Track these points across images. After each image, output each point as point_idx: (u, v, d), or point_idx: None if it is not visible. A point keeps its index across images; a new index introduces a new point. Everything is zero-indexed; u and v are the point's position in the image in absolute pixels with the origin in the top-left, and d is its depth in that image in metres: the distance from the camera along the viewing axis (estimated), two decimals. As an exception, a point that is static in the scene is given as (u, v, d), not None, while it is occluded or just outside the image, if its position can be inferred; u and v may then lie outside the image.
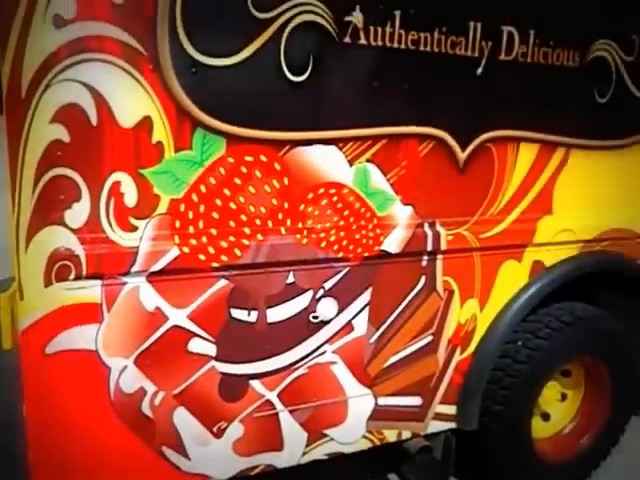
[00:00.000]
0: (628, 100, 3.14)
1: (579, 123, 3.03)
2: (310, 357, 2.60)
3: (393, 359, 2.82)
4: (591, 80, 3.00)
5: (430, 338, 2.88)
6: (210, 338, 2.38)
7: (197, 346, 2.38)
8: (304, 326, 2.54)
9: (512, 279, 3.04)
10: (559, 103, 2.94)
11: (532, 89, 2.86)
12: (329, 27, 2.33)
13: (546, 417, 3.49)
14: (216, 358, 2.42)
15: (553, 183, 3.02)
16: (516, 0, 2.72)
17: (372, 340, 2.73)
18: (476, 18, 2.63)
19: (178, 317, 2.31)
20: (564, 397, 3.56)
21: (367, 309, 2.67)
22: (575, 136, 3.03)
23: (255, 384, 2.54)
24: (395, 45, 2.48)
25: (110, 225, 2.12)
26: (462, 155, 2.73)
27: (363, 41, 2.41)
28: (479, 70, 2.69)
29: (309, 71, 2.33)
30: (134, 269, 2.18)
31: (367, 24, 2.40)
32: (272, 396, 2.58)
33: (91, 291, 2.15)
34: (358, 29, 2.38)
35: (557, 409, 3.55)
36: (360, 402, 2.78)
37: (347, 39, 2.38)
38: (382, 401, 2.85)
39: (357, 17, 2.37)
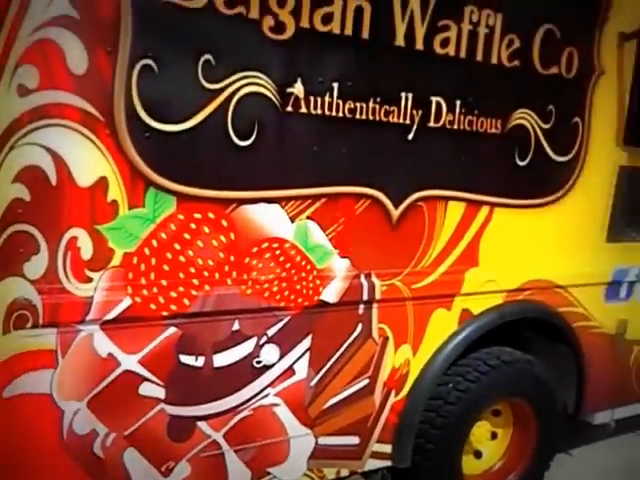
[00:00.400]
0: (546, 163, 3.37)
1: (502, 184, 3.24)
2: (254, 400, 2.69)
3: (332, 401, 2.93)
4: (512, 145, 3.22)
5: (367, 381, 3.00)
6: (160, 382, 2.46)
7: (147, 390, 2.45)
8: (248, 370, 2.64)
9: (442, 326, 3.19)
10: (483, 166, 3.15)
11: (459, 153, 3.06)
12: (273, 97, 2.49)
13: (478, 455, 3.62)
14: (165, 401, 2.50)
15: (479, 238, 3.20)
16: (443, 74, 2.92)
17: (312, 383, 2.83)
18: (407, 89, 2.83)
19: (130, 362, 2.39)
20: (494, 436, 3.70)
21: (308, 354, 2.78)
22: (498, 196, 3.23)
23: (202, 425, 2.61)
24: (333, 113, 2.65)
25: (66, 276, 2.21)
26: (395, 212, 2.90)
27: (304, 110, 2.57)
28: (410, 135, 2.88)
29: (254, 136, 2.47)
30: (88, 318, 2.26)
31: (307, 95, 2.57)
32: (218, 437, 2.66)
33: (47, 338, 2.22)
34: (299, 99, 2.55)
35: (488, 447, 3.69)
36: (301, 442, 2.88)
37: (289, 108, 2.54)
38: (322, 440, 2.95)
39: (298, 88, 2.54)
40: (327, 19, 2.56)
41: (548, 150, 3.37)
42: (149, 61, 2.20)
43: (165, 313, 2.40)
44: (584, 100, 3.47)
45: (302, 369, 2.78)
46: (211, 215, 2.42)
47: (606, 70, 3.54)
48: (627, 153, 3.77)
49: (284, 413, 2.79)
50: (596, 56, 3.47)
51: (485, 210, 3.19)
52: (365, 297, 2.87)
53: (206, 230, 2.43)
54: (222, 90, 2.37)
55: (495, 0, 2.99)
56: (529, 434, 3.68)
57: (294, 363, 2.76)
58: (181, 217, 2.37)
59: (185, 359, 2.50)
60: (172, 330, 2.44)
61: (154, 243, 2.33)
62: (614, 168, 3.73)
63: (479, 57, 3.01)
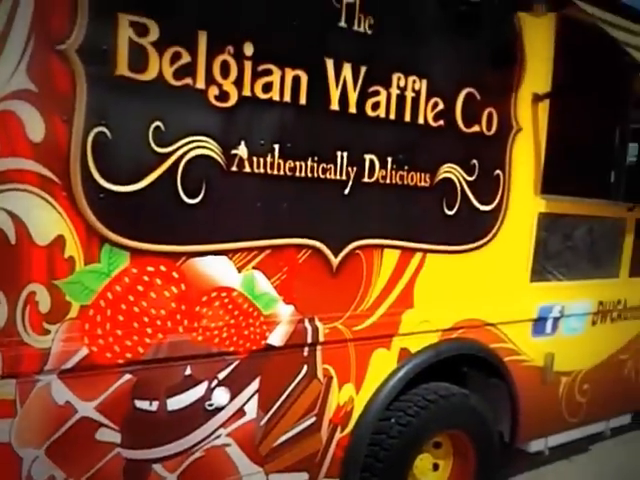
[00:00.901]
0: (472, 212, 3.57)
1: (433, 232, 3.41)
2: (206, 441, 2.75)
3: (282, 439, 3.00)
4: (440, 196, 3.40)
5: (314, 419, 3.08)
6: (116, 427, 2.51)
7: (104, 435, 2.49)
8: (201, 413, 2.70)
9: (383, 365, 3.30)
10: (415, 216, 3.32)
11: (392, 205, 3.23)
12: (219, 159, 2.62)
13: (422, 486, 3.70)
14: (121, 445, 2.53)
15: (413, 282, 3.35)
16: (375, 134, 3.09)
17: (262, 423, 2.90)
18: (343, 149, 2.99)
19: (86, 409, 2.43)
20: (436, 467, 3.79)
21: (257, 396, 2.86)
22: (430, 243, 3.40)
23: (157, 467, 2.65)
24: (275, 172, 2.78)
25: (25, 329, 2.26)
26: (335, 260, 3.03)
27: (248, 169, 2.71)
28: (347, 190, 3.04)
29: (202, 194, 2.59)
30: (46, 368, 2.31)
31: (250, 155, 2.70)
32: (172, 478, 2.70)
33: (6, 389, 2.25)
34: (243, 160, 2.68)
35: (430, 478, 3.77)
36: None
37: (234, 168, 2.67)
38: (273, 478, 3.01)
39: (242, 150, 2.68)
40: (267, 88, 2.72)
41: (473, 200, 3.56)
42: (103, 128, 2.31)
43: (120, 361, 2.46)
44: (504, 154, 3.70)
45: (252, 410, 2.85)
46: (163, 268, 2.51)
47: (523, 127, 3.78)
48: (545, 201, 3.99)
49: (235, 453, 2.84)
50: (513, 115, 3.71)
51: (418, 256, 3.34)
52: (309, 340, 2.97)
53: (158, 282, 2.51)
54: (171, 153, 2.49)
55: (420, 67, 3.19)
56: (468, 464, 3.79)
57: (244, 404, 2.82)
58: (134, 271, 2.45)
59: (140, 404, 2.55)
60: (127, 377, 2.49)
61: (109, 295, 2.41)
62: (534, 215, 3.94)
63: (407, 118, 3.20)
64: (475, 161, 3.54)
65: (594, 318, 4.56)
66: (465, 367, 3.87)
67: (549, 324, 4.20)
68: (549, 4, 3.56)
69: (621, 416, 5.09)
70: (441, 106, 3.32)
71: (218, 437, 2.77)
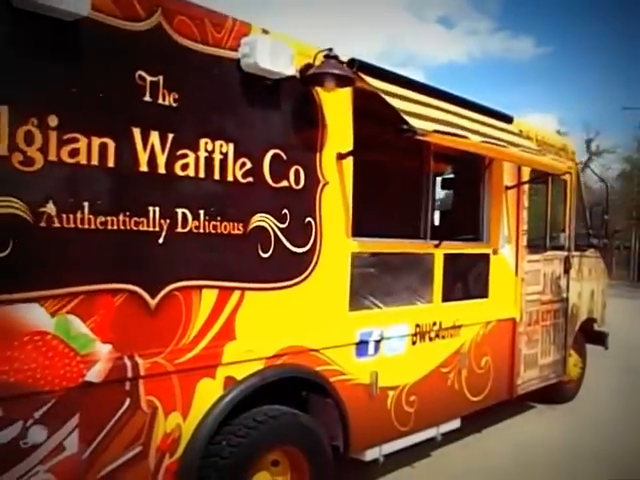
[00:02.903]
0: (286, 254, 3.59)
1: (249, 272, 3.39)
2: (24, 478, 2.53)
3: (108, 469, 2.81)
4: (255, 241, 3.40)
5: (140, 448, 2.91)
6: None
7: None
8: (17, 451, 2.50)
9: (209, 393, 3.20)
10: (231, 259, 3.29)
11: (208, 250, 3.19)
12: (26, 216, 2.50)
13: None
14: None
15: (234, 317, 3.30)
16: (185, 190, 3.07)
17: (85, 456, 2.71)
18: (154, 204, 2.94)
19: None
20: (277, 484, 3.66)
21: (77, 430, 2.67)
22: (247, 282, 3.37)
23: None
24: (86, 226, 2.69)
25: None
26: (153, 302, 2.94)
27: (57, 224, 2.60)
28: (161, 240, 2.97)
29: (10, 248, 2.46)
30: None
31: (59, 212, 2.61)
32: (-6, 516, 2.46)
33: None
34: (52, 216, 2.58)
35: (272, 495, 3.63)
36: (79, 511, 2.72)
37: (43, 224, 2.56)
38: (103, 506, 2.80)
39: (50, 208, 2.58)
40: (74, 153, 2.65)
41: (287, 244, 3.58)
42: None
43: None
44: (314, 204, 3.76)
45: (72, 444, 2.66)
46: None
47: (330, 181, 3.86)
48: (357, 242, 4.07)
49: (58, 486, 2.63)
50: (320, 171, 3.80)
51: (237, 294, 3.30)
52: (130, 375, 2.84)
53: (-34, 330, 2.33)
54: (-21, 212, 2.36)
55: (227, 133, 3.23)
56: (304, 477, 3.68)
57: (63, 440, 2.63)
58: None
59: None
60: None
61: None
62: (347, 254, 4.00)
63: (217, 176, 3.20)
64: (286, 211, 3.57)
65: (413, 338, 4.63)
66: (304, 391, 3.80)
67: (371, 346, 4.22)
68: (339, 81, 3.70)
69: (450, 421, 5.12)
70: (249, 165, 3.35)
71: (36, 474, 2.55)
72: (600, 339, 7.67)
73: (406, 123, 3.64)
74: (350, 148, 3.98)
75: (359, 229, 4.15)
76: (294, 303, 3.65)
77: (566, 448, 5.72)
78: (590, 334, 7.52)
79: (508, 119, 5.64)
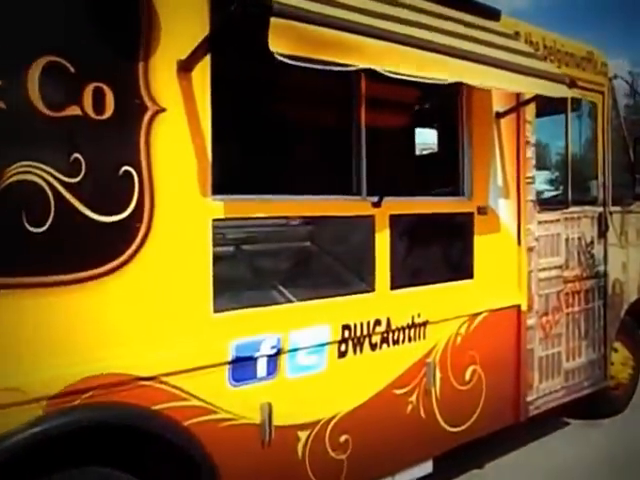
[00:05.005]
0: (82, 226, 2.81)
1: (5, 259, 2.56)
2: None
3: None
4: (15, 207, 2.58)
5: None
6: None
7: None
8: None
9: None
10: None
11: None
12: None
13: None
14: None
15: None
16: None
17: None
18: None
19: None
20: None
21: None
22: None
23: None
24: None
25: None
26: None
27: None
28: None
29: None
30: None
31: None
32: None
33: None
34: None
35: None
36: None
37: None
38: None
39: None
40: None
41: (82, 209, 2.75)
42: None
43: None
44: (135, 144, 2.91)
45: None
46: None
47: (168, 107, 2.99)
48: (222, 202, 3.21)
49: None
50: (144, 90, 2.93)
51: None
52: None
53: None
54: None
55: None
56: None
57: None
58: None
59: None
60: None
61: None
62: (205, 223, 3.16)
63: None
64: (78, 156, 2.73)
65: (340, 347, 3.79)
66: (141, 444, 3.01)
67: (260, 365, 3.41)
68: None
69: (414, 467, 4.30)
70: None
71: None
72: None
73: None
74: (206, 55, 3.09)
75: (238, 183, 3.27)
76: (103, 305, 2.84)
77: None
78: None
79: (492, 14, 4.73)
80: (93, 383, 2.78)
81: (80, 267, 2.76)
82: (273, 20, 2.79)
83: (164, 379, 3.00)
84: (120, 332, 2.89)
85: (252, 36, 2.95)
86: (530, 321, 5.21)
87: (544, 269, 5.38)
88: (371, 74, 3.55)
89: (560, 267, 5.57)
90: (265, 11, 2.75)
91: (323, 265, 3.84)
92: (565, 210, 5.63)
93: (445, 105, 4.86)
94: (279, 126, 3.81)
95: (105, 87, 2.82)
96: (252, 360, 3.37)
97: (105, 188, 2.84)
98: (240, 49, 3.39)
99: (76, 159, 2.75)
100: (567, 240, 5.70)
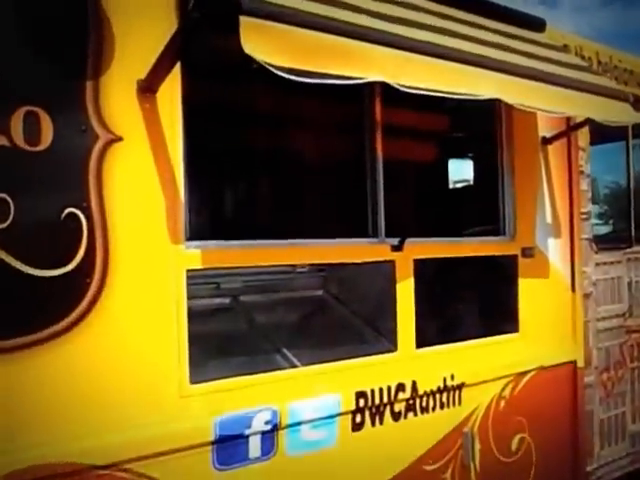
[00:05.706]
0: (11, 282, 2.25)
1: None
2: None
3: None
4: None
5: None
6: None
7: None
8: None
9: None
10: None
11: None
12: None
13: None
14: None
15: None
16: None
17: None
18: None
19: None
20: None
21: None
22: None
23: None
24: None
25: None
26: None
27: None
28: None
29: None
30: None
31: None
32: None
33: None
34: None
35: None
36: None
37: None
38: None
39: None
40: None
41: (11, 261, 2.22)
42: None
43: None
44: (82, 182, 2.38)
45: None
46: None
47: (125, 135, 2.46)
48: (198, 250, 2.66)
49: None
50: (95, 117, 2.43)
51: None
52: None
53: None
54: None
55: None
56: None
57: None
58: None
59: None
60: None
61: None
62: (179, 274, 2.61)
63: None
64: (5, 196, 2.20)
65: (355, 418, 3.17)
66: None
67: (252, 444, 2.80)
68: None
69: None
70: None
71: None
72: None
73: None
74: (170, 73, 2.58)
75: (220, 227, 2.72)
76: (45, 376, 2.29)
77: None
78: None
79: (535, 25, 4.14)
80: (36, 474, 2.20)
81: (12, 333, 2.22)
82: (248, 21, 2.23)
83: (128, 465, 2.43)
84: (70, 409, 2.33)
85: (227, 46, 2.40)
86: (588, 379, 4.66)
87: (603, 318, 4.87)
88: (388, 95, 2.98)
89: (622, 316, 5.05)
90: (232, 10, 2.20)
91: (331, 321, 3.28)
92: (627, 250, 4.97)
93: (481, 131, 4.25)
94: (273, 156, 3.27)
95: (40, 112, 2.31)
96: (242, 438, 2.78)
97: (41, 236, 2.30)
98: (217, 64, 2.85)
99: (2, 200, 2.21)
100: (630, 284, 5.16)
